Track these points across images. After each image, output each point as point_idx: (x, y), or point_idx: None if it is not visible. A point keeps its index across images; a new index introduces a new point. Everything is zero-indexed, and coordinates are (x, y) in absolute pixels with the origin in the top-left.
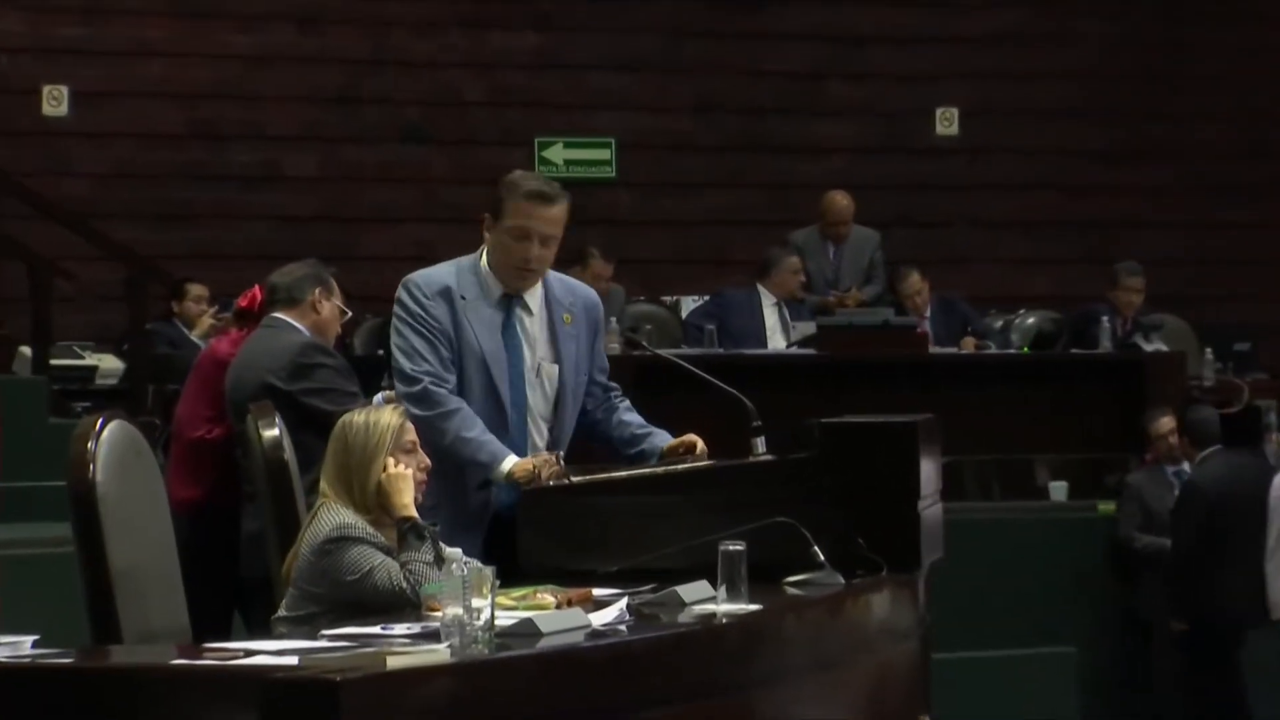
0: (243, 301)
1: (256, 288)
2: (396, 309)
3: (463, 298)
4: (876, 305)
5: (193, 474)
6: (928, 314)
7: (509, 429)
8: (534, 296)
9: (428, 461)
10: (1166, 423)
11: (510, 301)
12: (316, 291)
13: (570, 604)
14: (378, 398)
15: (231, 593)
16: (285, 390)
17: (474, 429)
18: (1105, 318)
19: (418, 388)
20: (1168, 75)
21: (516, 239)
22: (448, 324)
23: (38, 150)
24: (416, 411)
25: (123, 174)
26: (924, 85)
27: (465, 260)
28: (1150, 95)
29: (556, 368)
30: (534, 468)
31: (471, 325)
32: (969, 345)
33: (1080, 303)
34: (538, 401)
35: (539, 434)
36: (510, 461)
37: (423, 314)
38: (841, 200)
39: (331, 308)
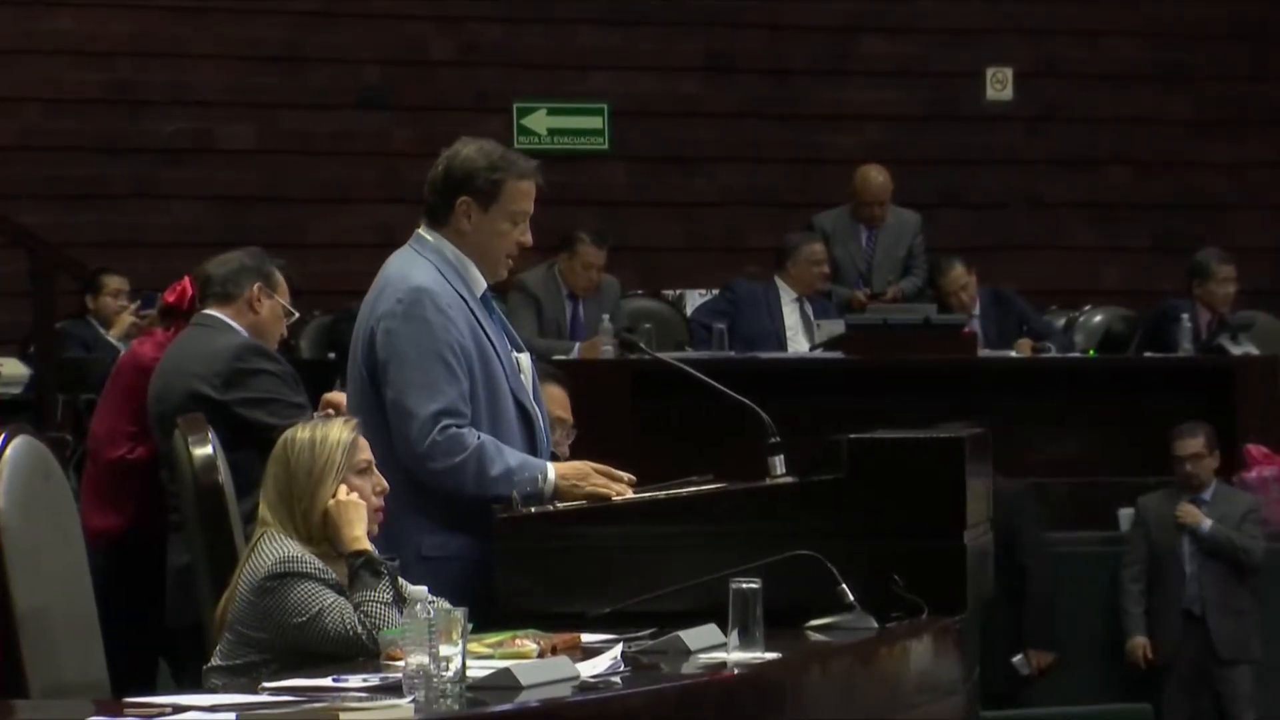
0: (169, 296)
1: (186, 280)
2: (406, 329)
3: (463, 299)
4: (916, 300)
5: (112, 500)
6: (976, 311)
7: (537, 447)
8: None
9: (385, 484)
10: (1193, 444)
11: (488, 292)
12: (256, 286)
13: (555, 652)
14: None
15: (157, 638)
16: (219, 400)
17: (498, 462)
18: (1185, 315)
19: (440, 435)
20: (1266, 30)
21: (516, 223)
22: (469, 341)
23: None
24: (433, 466)
25: (26, 146)
26: (974, 42)
27: (429, 254)
28: (1244, 53)
29: (526, 356)
30: (590, 490)
31: (487, 333)
32: (1025, 348)
33: (1156, 298)
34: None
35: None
36: (553, 472)
37: (446, 334)
38: (877, 177)
39: (273, 305)
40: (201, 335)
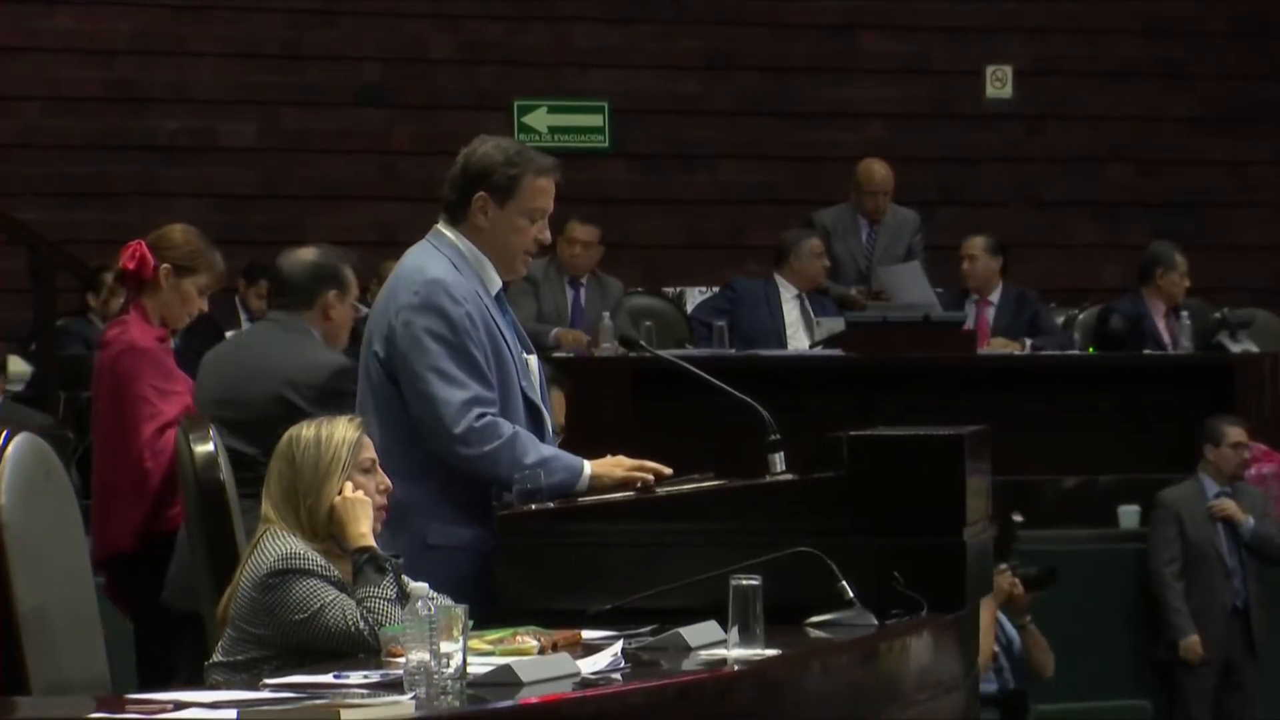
0: (130, 264)
1: (142, 245)
2: (424, 321)
3: (478, 295)
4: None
5: (152, 499)
6: (994, 298)
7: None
8: None
9: (388, 483)
10: (1239, 432)
11: (502, 291)
12: (331, 294)
13: (555, 648)
14: None
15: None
16: (306, 413)
17: (533, 450)
18: (1184, 313)
19: (477, 421)
20: (1266, 29)
21: (534, 220)
22: (483, 333)
23: None
24: (468, 451)
25: (28, 143)
26: (974, 39)
27: (445, 249)
28: (1244, 52)
29: (534, 358)
30: (625, 475)
31: (499, 327)
32: (1022, 346)
33: None
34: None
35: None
36: (589, 468)
37: (465, 325)
38: (880, 169)
39: (345, 310)
40: (290, 340)
